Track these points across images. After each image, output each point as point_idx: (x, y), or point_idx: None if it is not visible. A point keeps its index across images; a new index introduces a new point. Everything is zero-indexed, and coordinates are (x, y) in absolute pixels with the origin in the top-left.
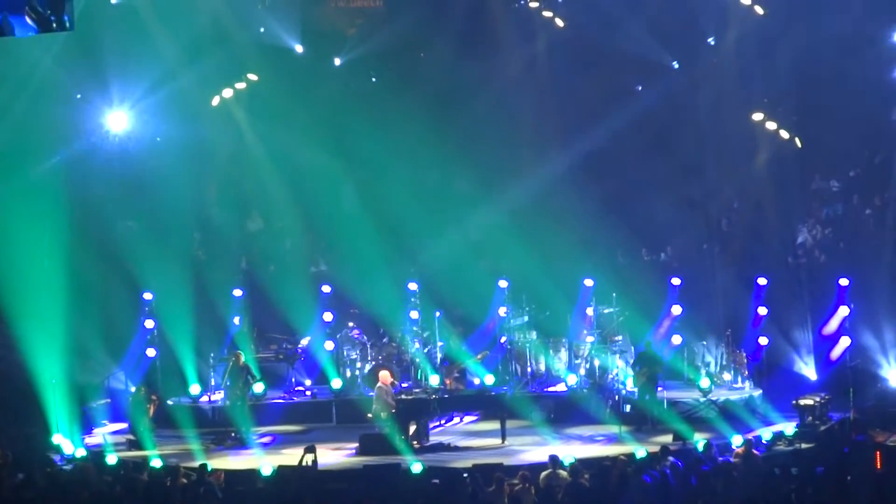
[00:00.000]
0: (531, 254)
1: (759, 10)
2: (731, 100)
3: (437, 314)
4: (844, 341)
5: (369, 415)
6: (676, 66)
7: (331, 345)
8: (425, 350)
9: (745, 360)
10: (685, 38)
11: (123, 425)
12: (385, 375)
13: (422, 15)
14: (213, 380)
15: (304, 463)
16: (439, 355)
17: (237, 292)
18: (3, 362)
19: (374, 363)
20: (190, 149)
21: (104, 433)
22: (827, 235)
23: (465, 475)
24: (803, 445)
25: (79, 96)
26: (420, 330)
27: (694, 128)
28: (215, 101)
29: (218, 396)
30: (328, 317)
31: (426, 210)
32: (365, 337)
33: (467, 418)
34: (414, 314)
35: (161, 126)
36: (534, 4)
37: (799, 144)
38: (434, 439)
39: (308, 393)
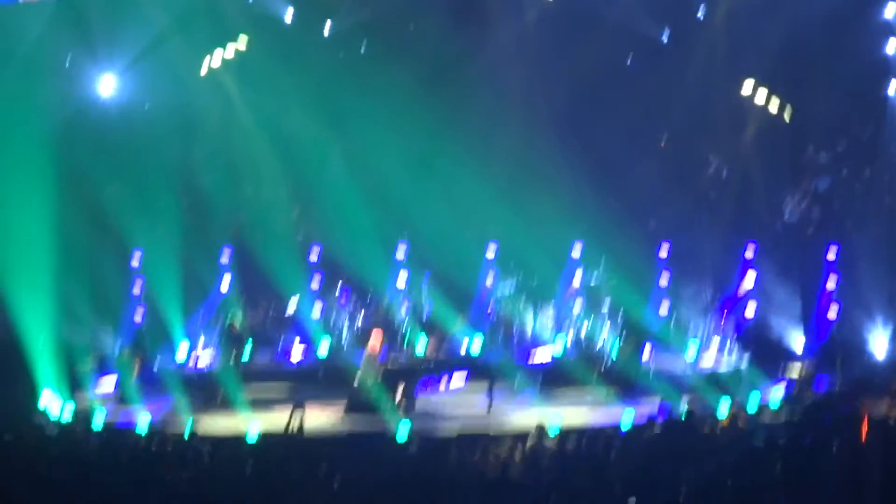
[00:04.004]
0: (519, 221)
1: None
2: (720, 72)
3: (425, 280)
4: (832, 313)
5: (356, 379)
6: (665, 38)
7: (319, 310)
8: (412, 316)
9: (733, 330)
10: (674, 11)
11: (110, 388)
12: (375, 340)
13: None
14: (200, 343)
15: (291, 423)
16: (426, 321)
17: (225, 257)
18: None
19: (362, 328)
20: (178, 115)
21: (91, 395)
22: (815, 207)
23: (452, 442)
24: (789, 416)
25: (67, 63)
26: (407, 296)
27: (683, 100)
28: (204, 68)
29: (205, 361)
30: (316, 282)
31: (414, 177)
32: (353, 302)
33: (454, 385)
34: (401, 281)
35: (149, 93)
36: None
37: (788, 117)
38: (420, 406)
39: (295, 358)
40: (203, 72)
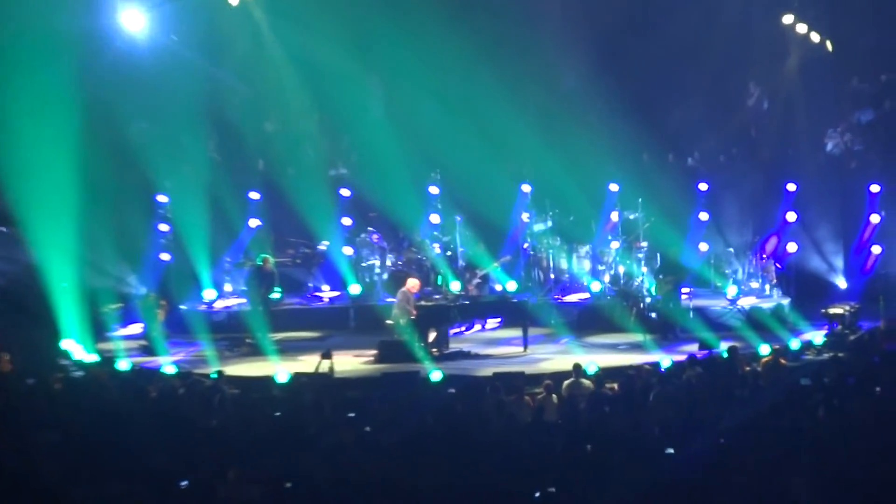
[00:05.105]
0: (555, 158)
1: None
2: (760, 1)
3: (458, 219)
4: (875, 249)
5: (388, 321)
6: None
7: (349, 250)
8: (446, 255)
9: (774, 268)
10: None
11: (136, 331)
12: (413, 282)
13: None
14: (227, 284)
15: (320, 370)
16: (460, 261)
17: (254, 195)
18: (13, 265)
19: (394, 269)
20: (207, 48)
21: (116, 339)
22: (858, 141)
23: (486, 383)
24: (832, 355)
25: None
26: (440, 235)
27: (723, 30)
28: None
29: (233, 303)
30: (347, 221)
31: (448, 113)
32: (384, 242)
33: (489, 325)
34: (434, 219)
35: (177, 24)
36: None
37: (830, 47)
38: (454, 347)
39: (325, 298)
40: (234, 2)
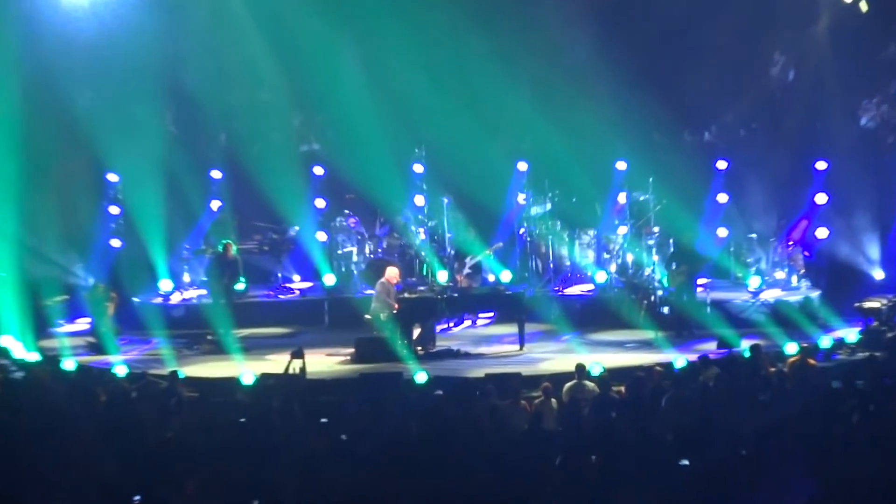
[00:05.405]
0: (555, 132)
1: None
2: None
3: (446, 201)
4: None
5: (367, 315)
6: None
7: (323, 235)
8: (432, 242)
9: (801, 256)
10: None
11: (84, 326)
12: (392, 271)
13: None
14: (186, 274)
15: (290, 370)
16: (448, 248)
17: (216, 174)
18: None
19: (374, 257)
20: (163, 8)
21: (61, 335)
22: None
23: (477, 385)
24: (867, 354)
25: None
26: (426, 219)
27: None
28: None
29: (192, 295)
30: (320, 203)
31: (435, 82)
32: (362, 227)
33: (480, 320)
34: (419, 200)
35: None
36: None
37: (864, 8)
38: (441, 345)
39: (296, 290)
40: None
